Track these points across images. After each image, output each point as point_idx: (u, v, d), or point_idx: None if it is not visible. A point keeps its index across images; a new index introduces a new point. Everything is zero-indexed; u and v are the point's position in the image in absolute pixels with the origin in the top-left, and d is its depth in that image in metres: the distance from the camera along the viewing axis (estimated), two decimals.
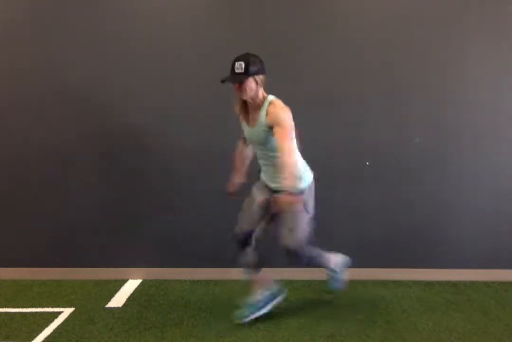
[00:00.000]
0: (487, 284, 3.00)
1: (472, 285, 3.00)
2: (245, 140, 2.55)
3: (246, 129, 2.41)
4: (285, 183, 2.11)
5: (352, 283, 3.02)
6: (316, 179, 2.44)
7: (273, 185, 2.40)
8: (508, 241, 3.03)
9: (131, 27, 2.93)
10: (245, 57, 2.22)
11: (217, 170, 2.94)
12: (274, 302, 2.59)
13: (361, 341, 2.30)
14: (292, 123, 2.24)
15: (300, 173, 2.31)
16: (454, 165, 2.98)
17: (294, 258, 2.36)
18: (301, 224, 2.32)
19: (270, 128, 2.23)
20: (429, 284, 3.02)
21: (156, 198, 3.07)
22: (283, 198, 2.09)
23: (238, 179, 2.59)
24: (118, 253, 3.14)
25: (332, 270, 2.62)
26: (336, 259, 2.63)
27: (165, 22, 2.92)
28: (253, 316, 2.52)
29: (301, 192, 2.25)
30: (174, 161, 3.04)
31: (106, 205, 3.10)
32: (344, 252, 2.95)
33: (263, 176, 2.48)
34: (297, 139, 2.34)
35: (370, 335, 2.36)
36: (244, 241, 2.43)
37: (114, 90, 2.99)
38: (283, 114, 2.22)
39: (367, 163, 2.99)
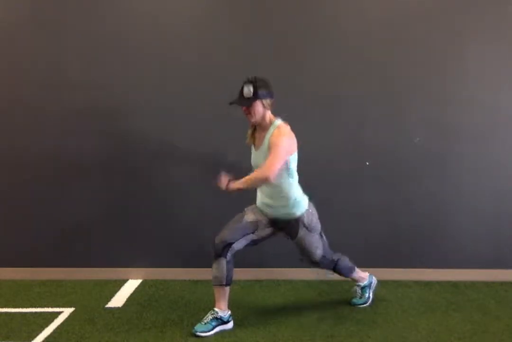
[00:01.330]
0: (487, 284, 3.00)
1: (472, 285, 3.00)
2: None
3: (253, 153, 2.44)
4: (245, 179, 2.22)
5: (352, 283, 3.02)
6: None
7: (273, 214, 2.44)
8: (508, 241, 3.03)
9: (131, 27, 2.93)
10: (253, 81, 2.27)
11: (218, 170, 2.94)
12: (218, 329, 2.41)
13: (361, 341, 2.30)
14: (291, 147, 2.30)
15: (297, 196, 2.39)
16: (454, 165, 2.98)
17: (324, 266, 2.58)
18: (314, 244, 2.47)
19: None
20: (429, 284, 3.02)
21: (156, 198, 3.07)
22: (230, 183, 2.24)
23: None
24: (118, 253, 3.13)
25: (358, 284, 2.72)
26: (363, 275, 2.74)
27: (165, 22, 2.92)
28: (210, 332, 2.39)
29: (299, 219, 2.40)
30: (174, 161, 3.04)
31: (106, 205, 3.10)
32: (344, 252, 2.95)
33: (258, 201, 2.50)
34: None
35: (370, 335, 2.36)
36: (220, 251, 2.38)
37: (114, 91, 2.99)
38: (283, 139, 2.25)
39: (367, 163, 2.99)
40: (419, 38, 2.89)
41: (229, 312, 2.46)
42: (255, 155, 2.42)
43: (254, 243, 2.47)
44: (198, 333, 2.36)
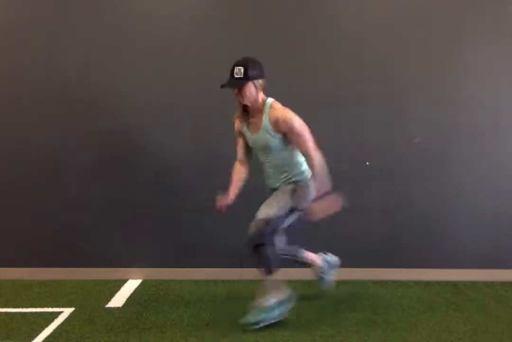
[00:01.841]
0: (487, 284, 3.00)
1: (472, 285, 3.00)
2: (241, 161, 2.52)
3: (249, 137, 2.41)
4: (319, 178, 2.22)
5: (352, 283, 3.02)
6: None
7: (278, 185, 2.44)
8: (508, 241, 3.03)
9: (131, 27, 2.93)
10: (244, 62, 2.24)
11: (217, 170, 2.95)
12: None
13: (361, 341, 2.30)
14: (302, 121, 2.29)
15: (305, 167, 2.41)
16: (454, 165, 2.98)
17: (255, 234, 2.28)
18: (278, 203, 2.32)
19: (277, 132, 2.27)
20: (429, 284, 3.02)
21: (156, 198, 3.07)
22: (318, 205, 2.20)
23: (229, 196, 2.47)
24: (118, 253, 3.14)
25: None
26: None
27: (165, 22, 2.92)
28: (262, 324, 2.40)
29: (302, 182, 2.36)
30: (174, 161, 3.04)
31: (106, 205, 3.10)
32: (344, 251, 2.95)
33: (269, 182, 2.51)
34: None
35: (370, 335, 2.36)
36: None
37: (114, 91, 2.99)
38: (291, 117, 2.25)
39: (367, 163, 2.99)
40: (419, 38, 2.89)
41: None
42: (254, 139, 2.38)
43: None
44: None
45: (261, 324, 2.40)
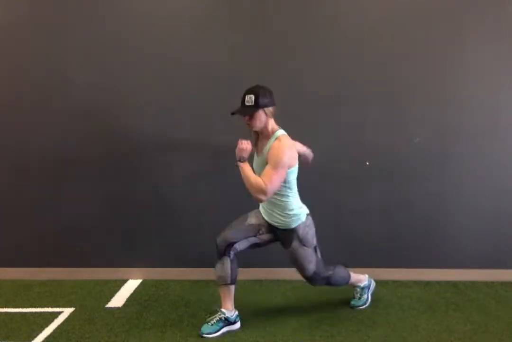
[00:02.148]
0: (487, 284, 3.00)
1: (472, 285, 3.00)
2: None
3: (254, 159, 2.43)
4: (249, 175, 2.22)
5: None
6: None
7: (268, 219, 2.45)
8: (508, 241, 3.03)
9: (131, 27, 2.93)
10: (255, 90, 2.25)
11: (217, 170, 2.95)
12: (225, 330, 2.43)
13: (361, 341, 2.30)
14: (291, 161, 2.26)
15: (294, 208, 2.37)
16: (454, 165, 2.98)
17: (317, 283, 2.51)
18: (307, 258, 2.41)
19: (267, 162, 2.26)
20: (429, 284, 3.02)
21: (156, 198, 3.07)
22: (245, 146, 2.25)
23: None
24: (118, 253, 3.14)
25: (357, 287, 2.71)
26: (361, 277, 2.73)
27: (165, 23, 2.92)
28: (216, 334, 2.41)
29: (295, 229, 2.38)
30: (175, 161, 3.04)
31: (106, 205, 3.10)
32: (345, 251, 2.95)
33: (260, 206, 2.52)
34: (304, 164, 2.43)
35: (370, 335, 2.36)
36: (223, 250, 2.43)
37: (114, 91, 2.99)
38: (282, 154, 2.20)
39: (367, 163, 2.99)
40: (419, 38, 2.88)
41: (236, 312, 2.48)
42: (256, 162, 2.41)
43: (257, 245, 2.49)
44: (204, 335, 2.37)
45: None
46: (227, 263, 2.41)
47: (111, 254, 3.14)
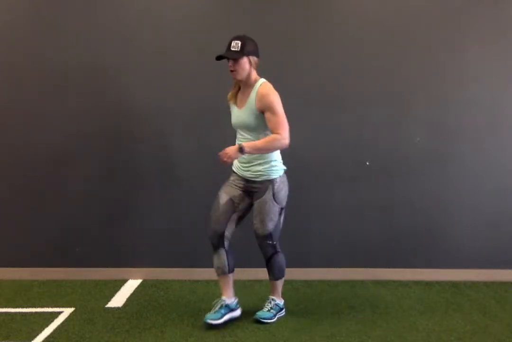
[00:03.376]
0: (487, 284, 3.00)
1: (472, 285, 3.00)
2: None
3: (234, 111, 2.42)
4: (248, 145, 2.22)
5: (352, 283, 3.02)
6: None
7: (246, 173, 2.41)
8: (508, 241, 3.03)
9: (131, 27, 2.94)
10: (242, 37, 2.29)
11: (217, 169, 2.94)
12: (227, 317, 2.45)
13: (361, 341, 2.30)
14: (281, 106, 2.28)
15: (276, 159, 2.37)
16: (454, 165, 2.98)
17: (264, 247, 2.43)
18: (271, 214, 2.36)
19: (259, 112, 2.27)
20: (429, 284, 3.02)
21: (156, 197, 3.07)
22: (229, 149, 2.24)
23: None
24: (118, 253, 3.13)
25: (274, 299, 2.55)
26: (280, 294, 2.60)
27: (165, 23, 2.92)
28: (220, 320, 2.42)
29: (274, 180, 2.35)
30: (174, 161, 3.04)
31: (106, 205, 3.10)
32: (345, 251, 2.95)
33: (236, 164, 2.48)
34: None
35: (370, 335, 2.36)
36: (217, 242, 2.43)
37: (114, 91, 2.99)
38: (274, 98, 2.26)
39: (367, 163, 2.99)
40: (419, 39, 2.89)
41: (236, 300, 2.52)
42: (239, 114, 2.37)
43: (241, 218, 2.49)
44: (209, 321, 2.40)
45: (266, 321, 2.48)
46: (222, 254, 2.44)
47: (111, 254, 3.13)
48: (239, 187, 2.45)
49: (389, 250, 3.07)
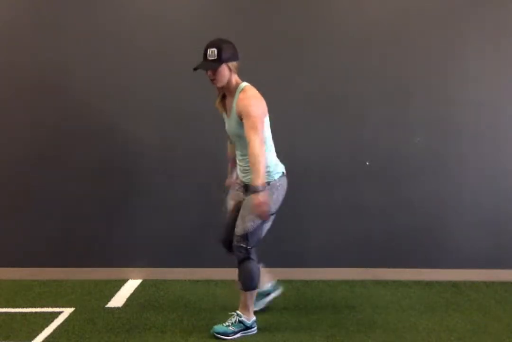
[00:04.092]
0: (487, 284, 3.00)
1: (472, 285, 3.00)
2: (231, 141, 2.47)
3: (226, 121, 2.34)
4: (254, 180, 2.07)
5: (352, 283, 3.02)
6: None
7: (244, 179, 2.34)
8: (508, 241, 3.03)
9: (131, 28, 2.93)
10: (217, 44, 2.16)
11: (216, 169, 2.94)
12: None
13: (361, 341, 2.30)
14: (263, 111, 2.17)
15: (269, 164, 2.23)
16: (454, 165, 2.98)
17: (236, 248, 2.24)
18: (251, 215, 2.18)
19: (240, 118, 2.16)
20: (429, 284, 3.02)
21: (155, 198, 3.07)
22: (253, 201, 2.07)
23: (231, 176, 2.56)
24: (118, 253, 3.13)
25: (239, 314, 2.34)
26: (251, 311, 2.37)
27: (165, 23, 2.92)
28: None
29: (267, 184, 2.18)
30: (175, 161, 3.04)
31: (105, 205, 3.09)
32: (345, 251, 2.95)
33: (238, 170, 2.41)
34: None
35: (370, 335, 2.36)
36: (228, 247, 2.39)
37: (113, 92, 2.99)
38: (251, 102, 2.12)
39: (367, 163, 2.99)
40: (419, 39, 2.89)
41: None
42: (228, 122, 2.30)
43: None
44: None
45: (220, 336, 2.30)
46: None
47: (111, 254, 3.13)
48: (242, 191, 2.40)
49: (389, 250, 3.07)
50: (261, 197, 2.07)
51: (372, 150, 2.98)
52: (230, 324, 2.32)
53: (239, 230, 2.24)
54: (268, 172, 2.23)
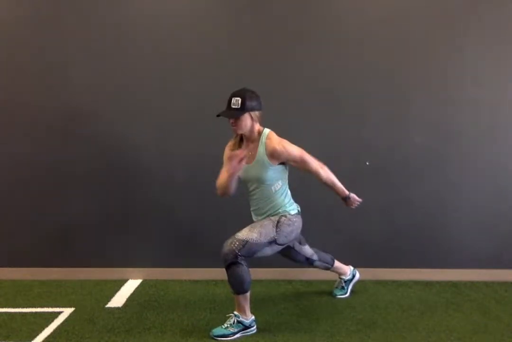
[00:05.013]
0: (487, 284, 3.00)
1: (472, 285, 3.00)
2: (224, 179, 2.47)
3: (244, 168, 2.34)
4: (342, 191, 2.50)
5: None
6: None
7: (262, 217, 2.43)
8: (508, 241, 3.03)
9: (131, 28, 2.93)
10: (242, 93, 2.24)
11: (216, 170, 2.94)
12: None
13: (361, 341, 2.30)
14: (297, 147, 2.32)
15: (286, 202, 2.40)
16: (454, 165, 2.98)
17: (226, 248, 2.23)
18: (263, 230, 2.28)
19: (274, 163, 2.28)
20: (429, 284, 3.02)
21: (155, 198, 3.07)
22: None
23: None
24: (118, 253, 3.13)
25: (237, 315, 2.35)
26: (247, 312, 2.38)
27: (165, 24, 2.92)
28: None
29: (285, 216, 2.37)
30: (174, 161, 3.04)
31: (105, 205, 3.10)
32: (345, 251, 2.95)
33: (254, 212, 2.48)
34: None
35: (370, 335, 2.36)
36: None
37: (113, 91, 2.99)
38: (286, 146, 2.27)
39: (367, 163, 2.99)
40: (419, 39, 2.89)
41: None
42: (248, 169, 2.34)
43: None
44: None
45: (220, 339, 2.30)
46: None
47: (111, 254, 3.13)
48: None
49: (389, 250, 3.07)
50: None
51: (372, 150, 2.98)
52: (228, 325, 2.34)
53: (241, 234, 2.27)
54: (285, 206, 2.39)
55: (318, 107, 2.95)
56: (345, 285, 2.82)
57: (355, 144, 2.98)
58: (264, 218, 2.41)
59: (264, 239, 2.28)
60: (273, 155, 2.27)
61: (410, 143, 2.97)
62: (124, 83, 2.98)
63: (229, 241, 2.26)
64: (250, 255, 2.27)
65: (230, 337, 2.32)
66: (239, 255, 2.22)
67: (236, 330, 2.33)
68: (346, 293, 2.82)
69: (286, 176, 2.40)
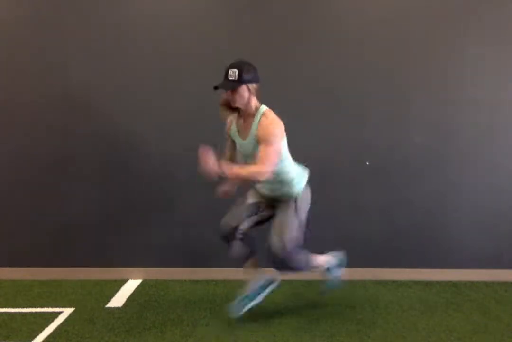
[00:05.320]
0: (487, 284, 3.00)
1: (472, 285, 3.00)
2: (230, 155, 2.53)
3: (238, 142, 2.36)
4: (239, 172, 2.09)
5: (352, 283, 3.02)
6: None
7: (267, 193, 2.43)
8: (508, 241, 3.03)
9: (131, 28, 2.93)
10: (239, 65, 2.19)
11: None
12: (266, 292, 2.53)
13: (361, 341, 2.30)
14: (282, 136, 2.23)
15: (294, 176, 2.35)
16: (454, 165, 2.98)
17: (281, 266, 2.32)
18: (291, 231, 2.30)
19: (258, 142, 2.21)
20: (429, 284, 3.02)
21: (156, 198, 3.07)
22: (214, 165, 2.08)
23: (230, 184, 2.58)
24: (118, 253, 3.14)
25: (325, 270, 2.60)
26: (327, 259, 2.60)
27: (165, 24, 2.92)
28: (246, 308, 2.48)
29: (294, 201, 2.35)
30: (174, 161, 3.04)
31: (105, 205, 3.10)
32: (345, 251, 2.95)
33: (260, 190, 2.49)
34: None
35: (370, 335, 2.36)
36: (230, 235, 2.45)
37: (113, 91, 2.99)
38: (274, 129, 2.16)
39: (367, 163, 2.99)
40: (419, 39, 2.88)
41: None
42: (242, 146, 2.33)
43: (260, 223, 2.49)
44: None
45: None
46: (237, 244, 2.45)
47: (111, 254, 3.14)
48: (264, 200, 2.47)
49: (389, 250, 3.07)
50: (215, 170, 2.08)
51: (372, 150, 2.98)
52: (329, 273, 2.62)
53: (278, 249, 2.27)
54: (297, 183, 2.36)
55: (318, 107, 2.95)
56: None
57: (355, 144, 2.98)
58: (277, 195, 2.40)
59: (296, 233, 2.32)
60: (260, 131, 2.19)
61: (410, 143, 2.97)
62: (124, 83, 2.98)
63: (277, 246, 2.27)
64: (299, 246, 2.33)
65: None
66: (292, 253, 2.28)
67: (336, 269, 2.63)
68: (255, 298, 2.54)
69: (283, 151, 2.27)
